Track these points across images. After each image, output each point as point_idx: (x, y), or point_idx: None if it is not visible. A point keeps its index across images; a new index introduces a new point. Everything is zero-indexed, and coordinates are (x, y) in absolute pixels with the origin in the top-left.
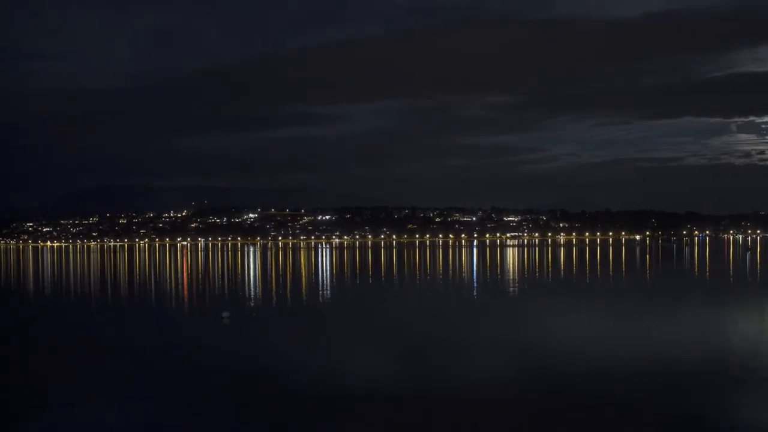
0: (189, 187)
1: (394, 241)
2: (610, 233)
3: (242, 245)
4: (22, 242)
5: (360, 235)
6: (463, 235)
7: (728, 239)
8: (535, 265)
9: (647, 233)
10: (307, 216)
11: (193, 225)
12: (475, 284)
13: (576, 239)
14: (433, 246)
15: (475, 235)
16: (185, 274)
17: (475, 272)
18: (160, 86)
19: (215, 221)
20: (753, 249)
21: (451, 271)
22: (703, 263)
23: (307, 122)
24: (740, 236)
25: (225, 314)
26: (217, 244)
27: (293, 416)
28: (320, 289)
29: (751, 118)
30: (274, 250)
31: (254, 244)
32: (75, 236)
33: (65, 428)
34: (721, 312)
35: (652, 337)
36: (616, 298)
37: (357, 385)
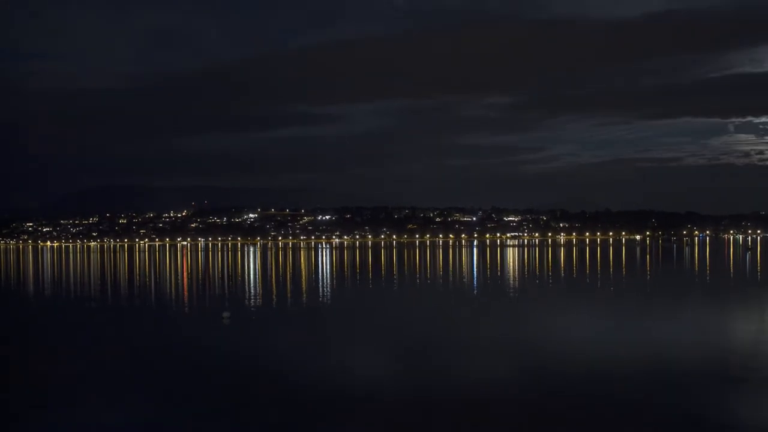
0: (189, 187)
1: (394, 241)
2: (610, 233)
3: (242, 245)
4: (22, 242)
5: (360, 235)
6: (463, 235)
7: (728, 239)
8: (535, 265)
9: (647, 233)
10: (307, 216)
11: (193, 225)
12: (475, 284)
13: (576, 239)
14: (433, 246)
15: (475, 235)
16: (185, 274)
17: (475, 272)
18: (160, 86)
19: (215, 221)
20: (753, 249)
21: (451, 271)
22: (703, 263)
23: (307, 122)
24: (740, 236)
25: (225, 314)
26: (217, 244)
27: (293, 416)
28: (320, 289)
29: (749, 118)
30: (274, 250)
31: (254, 244)
32: (75, 236)
33: (65, 428)
34: (721, 312)
35: (652, 337)
36: (616, 298)
37: (357, 385)
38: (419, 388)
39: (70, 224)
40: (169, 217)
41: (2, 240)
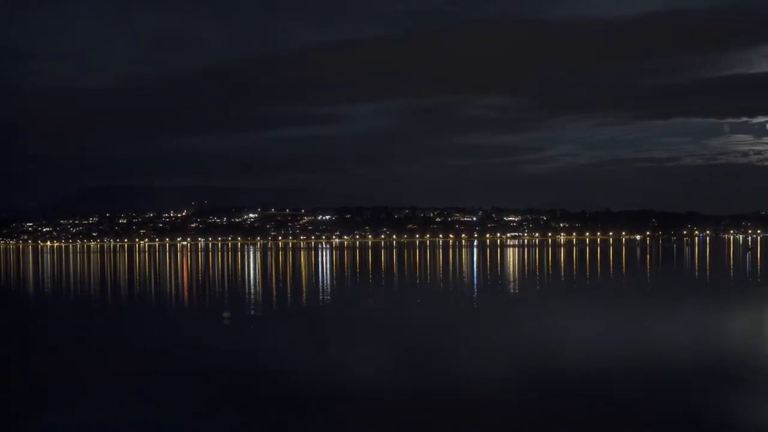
0: (189, 187)
1: (394, 241)
2: (611, 233)
3: (242, 245)
4: (22, 242)
5: (360, 235)
6: (463, 235)
7: (728, 239)
8: (535, 265)
9: (647, 233)
10: (307, 216)
11: (193, 225)
12: (475, 284)
13: (576, 239)
14: (433, 246)
15: (475, 235)
16: (185, 275)
17: (475, 272)
18: (160, 86)
19: (215, 221)
20: (753, 249)
21: (451, 271)
22: (703, 263)
23: (307, 122)
24: (740, 236)
25: (225, 314)
26: (217, 244)
27: (293, 416)
28: (320, 289)
29: (744, 119)
30: (274, 250)
31: (254, 244)
32: (75, 236)
33: (65, 428)
34: (721, 312)
35: (652, 337)
36: (616, 298)
37: (357, 385)
38: (419, 388)
39: (70, 224)
40: (169, 217)
41: (2, 240)
